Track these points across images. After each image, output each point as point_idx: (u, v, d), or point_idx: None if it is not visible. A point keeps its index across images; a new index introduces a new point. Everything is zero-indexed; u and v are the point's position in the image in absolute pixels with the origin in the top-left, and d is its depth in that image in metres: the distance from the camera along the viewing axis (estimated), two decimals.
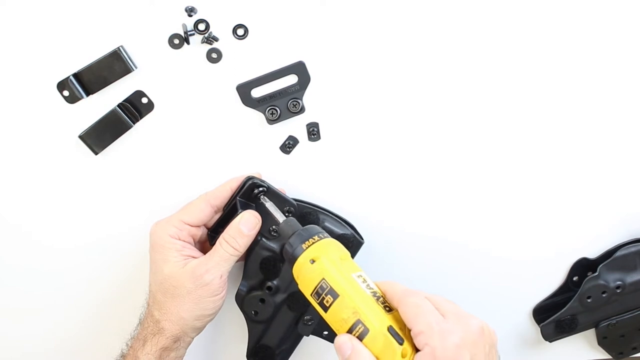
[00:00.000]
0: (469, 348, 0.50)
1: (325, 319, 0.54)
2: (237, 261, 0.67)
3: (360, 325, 0.51)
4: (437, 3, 0.63)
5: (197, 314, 0.61)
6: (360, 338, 0.51)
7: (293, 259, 0.56)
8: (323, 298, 0.53)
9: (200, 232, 0.65)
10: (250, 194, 0.64)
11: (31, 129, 0.65)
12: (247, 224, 0.62)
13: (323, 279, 0.53)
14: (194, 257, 0.62)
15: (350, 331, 0.51)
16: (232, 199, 0.64)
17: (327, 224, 0.66)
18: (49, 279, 0.71)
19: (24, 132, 0.66)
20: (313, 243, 0.56)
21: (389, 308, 0.53)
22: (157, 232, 0.63)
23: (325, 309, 0.53)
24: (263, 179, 0.65)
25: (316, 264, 0.54)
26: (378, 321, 0.51)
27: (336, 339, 0.52)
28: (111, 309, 0.72)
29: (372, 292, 0.53)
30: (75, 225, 0.69)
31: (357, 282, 0.53)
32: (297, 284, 0.57)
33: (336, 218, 0.67)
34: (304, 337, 0.70)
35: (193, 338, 0.64)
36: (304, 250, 0.55)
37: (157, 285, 0.62)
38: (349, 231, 0.66)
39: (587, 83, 0.67)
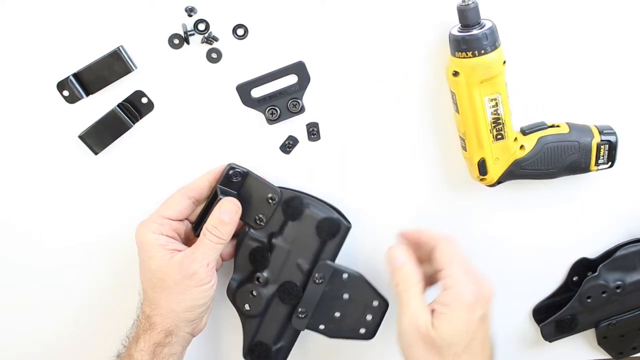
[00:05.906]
0: (482, 305, 0.58)
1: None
2: (229, 259, 0.68)
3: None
4: (437, 2, 0.63)
5: (187, 304, 0.61)
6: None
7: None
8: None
9: (184, 227, 0.65)
10: (229, 180, 0.64)
11: (31, 129, 0.65)
12: (226, 212, 0.61)
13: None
14: (179, 251, 0.62)
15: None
16: (214, 188, 0.64)
17: (312, 208, 0.65)
18: (49, 279, 0.71)
19: (24, 132, 0.66)
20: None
21: (500, 136, 0.62)
22: (140, 231, 0.63)
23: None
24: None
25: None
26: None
27: (388, 249, 0.62)
28: (111, 309, 0.72)
29: (493, 118, 0.61)
30: (75, 225, 0.69)
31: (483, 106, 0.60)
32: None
33: (321, 202, 0.66)
34: (304, 337, 0.70)
35: (189, 335, 0.64)
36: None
37: (146, 281, 0.63)
38: (334, 214, 0.66)
39: (587, 83, 0.67)
